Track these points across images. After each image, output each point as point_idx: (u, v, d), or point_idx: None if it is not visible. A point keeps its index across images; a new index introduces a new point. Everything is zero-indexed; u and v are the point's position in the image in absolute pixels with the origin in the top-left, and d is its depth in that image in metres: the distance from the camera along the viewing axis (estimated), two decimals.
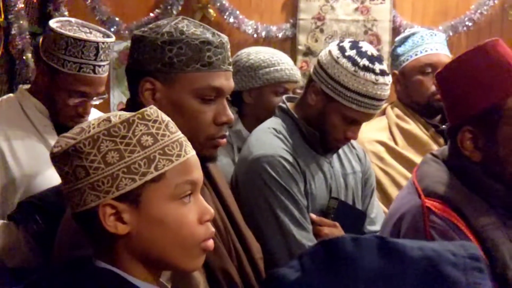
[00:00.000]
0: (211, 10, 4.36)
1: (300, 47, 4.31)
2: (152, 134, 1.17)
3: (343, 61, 2.08)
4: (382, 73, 2.09)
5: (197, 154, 1.57)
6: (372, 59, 2.09)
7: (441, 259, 0.96)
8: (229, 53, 1.64)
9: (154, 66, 1.56)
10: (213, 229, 1.24)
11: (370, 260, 0.95)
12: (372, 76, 2.07)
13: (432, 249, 0.98)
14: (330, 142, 2.17)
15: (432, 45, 2.71)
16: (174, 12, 4.32)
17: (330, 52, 2.13)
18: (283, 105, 2.25)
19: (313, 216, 2.13)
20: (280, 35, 4.35)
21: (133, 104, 1.59)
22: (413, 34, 2.76)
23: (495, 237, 1.62)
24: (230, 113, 1.63)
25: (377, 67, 2.08)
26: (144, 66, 1.57)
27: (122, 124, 1.16)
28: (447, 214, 1.64)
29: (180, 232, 1.18)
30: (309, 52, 4.29)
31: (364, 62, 2.07)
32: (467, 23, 4.24)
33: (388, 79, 2.11)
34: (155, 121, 1.19)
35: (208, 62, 1.57)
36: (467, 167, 1.70)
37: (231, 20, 4.31)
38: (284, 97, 2.31)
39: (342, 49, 2.11)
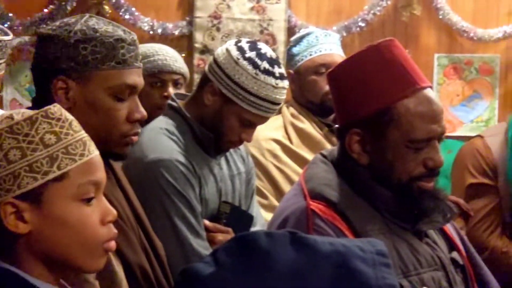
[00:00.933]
0: (106, 7, 4.25)
1: (196, 45, 4.28)
2: (55, 133, 1.16)
3: (244, 63, 2.06)
4: (281, 77, 2.09)
5: (109, 152, 1.59)
6: (272, 62, 2.08)
7: (351, 254, 0.98)
8: (139, 50, 1.64)
9: (67, 65, 1.55)
10: (115, 230, 1.23)
11: (284, 254, 0.96)
12: (272, 80, 2.06)
13: (342, 244, 0.99)
14: (224, 143, 2.14)
15: (326, 46, 2.76)
16: (69, 8, 4.19)
17: (228, 52, 2.09)
18: (174, 104, 2.18)
19: (207, 222, 2.10)
20: (176, 32, 4.30)
21: (41, 103, 1.52)
22: (308, 34, 2.81)
23: None
24: (143, 110, 1.62)
25: (277, 70, 2.08)
26: (56, 64, 1.55)
27: (25, 122, 1.15)
28: (332, 218, 1.63)
29: (82, 232, 1.17)
30: (206, 50, 4.27)
31: (265, 65, 2.06)
32: (360, 23, 4.30)
33: (286, 83, 2.11)
34: (58, 120, 1.18)
35: (122, 59, 1.57)
36: (354, 170, 1.69)
37: (127, 16, 4.23)
38: (173, 94, 2.26)
39: (241, 50, 2.09)
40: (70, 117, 1.21)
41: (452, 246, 1.81)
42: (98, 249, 1.20)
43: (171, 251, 1.96)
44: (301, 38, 2.80)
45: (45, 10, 4.24)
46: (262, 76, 2.04)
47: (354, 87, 1.68)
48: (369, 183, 1.68)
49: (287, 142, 2.73)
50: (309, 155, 2.67)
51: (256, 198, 2.57)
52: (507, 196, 2.67)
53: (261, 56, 2.07)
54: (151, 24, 4.27)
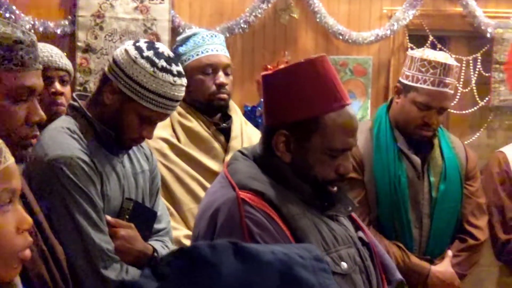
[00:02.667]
0: None
1: (79, 44, 4.22)
2: None
3: (142, 61, 2.10)
4: (179, 74, 2.14)
5: None
6: (169, 60, 2.14)
7: (292, 262, 0.98)
8: (38, 52, 1.63)
9: None
10: (30, 239, 1.22)
11: (229, 265, 0.95)
12: (170, 78, 2.11)
13: (283, 252, 0.99)
14: (126, 141, 2.18)
15: (212, 46, 2.80)
16: None
17: (127, 52, 2.13)
18: (75, 103, 2.21)
19: (109, 218, 2.13)
20: (58, 31, 4.21)
21: None
22: (194, 34, 2.83)
23: (304, 225, 1.79)
24: (42, 113, 1.62)
25: (174, 68, 2.13)
26: None
27: None
28: (261, 205, 1.78)
29: None
30: (88, 49, 4.22)
31: (162, 63, 2.11)
32: (242, 25, 4.37)
33: (184, 81, 2.17)
34: None
35: (21, 61, 1.55)
36: (277, 166, 1.87)
37: (7, 15, 4.10)
38: (74, 94, 2.27)
39: (139, 50, 2.12)
40: None
41: (357, 227, 2.03)
42: (14, 258, 1.18)
43: (73, 246, 2.00)
44: (188, 38, 2.83)
45: None
46: (160, 74, 2.09)
47: (287, 93, 1.84)
48: (290, 177, 1.86)
49: (175, 141, 2.75)
50: (197, 154, 2.72)
51: None
52: (372, 189, 2.85)
53: (159, 54, 2.12)
54: (32, 22, 4.16)
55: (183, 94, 2.18)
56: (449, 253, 2.90)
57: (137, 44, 2.16)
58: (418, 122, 2.82)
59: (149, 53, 2.12)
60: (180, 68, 2.17)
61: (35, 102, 1.62)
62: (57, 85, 2.67)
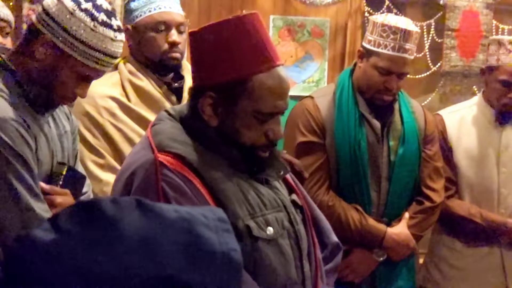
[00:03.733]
0: None
1: None
2: None
3: (81, 14, 1.95)
4: (119, 29, 2.02)
5: None
6: (109, 14, 2.01)
7: (195, 220, 0.98)
8: None
9: None
10: None
11: (131, 221, 0.93)
12: (111, 33, 1.99)
13: (186, 211, 0.99)
14: (57, 99, 2.04)
15: (165, 3, 2.69)
16: None
17: (61, 2, 1.96)
18: None
19: (44, 185, 1.99)
20: None
21: None
22: None
23: (227, 188, 1.73)
24: None
25: (114, 23, 2.01)
26: None
27: None
28: (180, 169, 1.71)
29: None
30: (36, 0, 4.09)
31: (103, 17, 1.98)
32: None
33: (123, 36, 2.06)
34: None
35: None
36: (203, 130, 1.78)
37: None
38: None
39: (76, 1, 1.97)
40: None
41: (291, 190, 1.96)
42: None
43: (10, 215, 1.87)
44: None
45: None
46: (100, 29, 1.96)
47: (214, 52, 1.74)
48: (216, 141, 1.77)
49: (124, 100, 2.65)
50: (147, 114, 2.64)
51: (91, 157, 2.52)
52: (333, 153, 2.86)
53: (98, 7, 1.99)
54: None
55: (121, 50, 2.06)
56: (406, 215, 2.94)
57: None
58: (379, 87, 2.83)
59: (88, 5, 1.97)
60: (119, 22, 2.05)
61: None
62: None
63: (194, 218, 0.98)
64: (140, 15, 2.68)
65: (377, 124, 2.89)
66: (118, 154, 2.58)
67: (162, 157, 1.71)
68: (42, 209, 1.92)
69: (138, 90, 2.68)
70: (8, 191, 1.87)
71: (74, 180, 2.13)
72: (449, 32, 4.76)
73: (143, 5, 2.69)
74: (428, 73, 4.82)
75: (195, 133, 1.79)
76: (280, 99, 1.77)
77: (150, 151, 1.74)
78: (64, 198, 2.02)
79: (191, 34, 1.80)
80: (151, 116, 2.64)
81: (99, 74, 2.05)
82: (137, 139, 2.59)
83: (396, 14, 4.56)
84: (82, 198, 2.18)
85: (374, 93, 2.86)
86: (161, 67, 2.69)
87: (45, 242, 0.92)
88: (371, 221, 2.87)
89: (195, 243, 0.95)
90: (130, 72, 2.69)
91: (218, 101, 1.75)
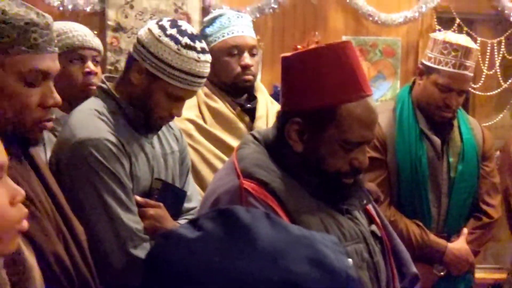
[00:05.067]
0: None
1: (109, 23, 4.25)
2: None
3: (166, 39, 2.12)
4: (203, 51, 2.16)
5: (23, 137, 1.54)
6: (193, 37, 2.15)
7: (316, 239, 1.02)
8: (55, 34, 1.60)
9: None
10: (25, 210, 1.21)
11: (264, 230, 0.99)
12: (194, 54, 2.13)
13: (306, 230, 1.04)
14: (155, 120, 2.20)
15: (238, 27, 2.80)
16: None
17: (150, 31, 2.15)
18: (104, 86, 2.22)
19: (138, 198, 2.15)
20: (88, 9, 4.24)
21: None
22: (220, 15, 2.83)
23: (308, 220, 1.71)
24: (57, 96, 1.61)
25: (198, 45, 2.15)
26: None
27: None
28: (264, 197, 1.71)
29: None
30: (119, 28, 4.24)
31: (186, 40, 2.13)
32: (273, 5, 4.38)
33: (209, 57, 2.19)
34: None
35: (34, 44, 1.53)
36: (288, 155, 1.78)
37: None
38: (103, 76, 2.29)
39: (162, 28, 2.14)
40: None
41: (371, 220, 1.94)
42: (11, 231, 1.18)
43: (103, 227, 2.02)
44: (214, 19, 2.83)
45: None
46: (184, 51, 2.11)
47: (305, 79, 1.74)
48: (300, 168, 1.78)
49: (201, 122, 2.76)
50: (223, 134, 2.74)
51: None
52: (394, 169, 2.90)
53: (182, 32, 2.14)
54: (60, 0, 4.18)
55: (208, 70, 2.19)
56: (465, 230, 2.99)
57: (160, 23, 2.17)
58: (439, 104, 2.87)
59: (173, 31, 2.14)
60: (203, 44, 2.19)
61: (51, 85, 1.60)
62: (91, 65, 2.70)
63: (314, 237, 1.03)
64: (215, 40, 2.79)
65: (437, 140, 2.93)
66: (195, 174, 2.67)
67: (246, 184, 1.71)
68: (131, 220, 2.08)
69: (214, 112, 2.79)
70: (102, 205, 2.04)
71: (172, 195, 2.26)
72: None
73: (217, 31, 2.80)
74: (499, 90, 4.77)
75: (279, 159, 1.79)
76: (368, 130, 1.75)
77: (235, 177, 1.75)
78: (156, 211, 2.16)
79: (283, 59, 1.81)
80: (226, 137, 2.75)
81: (190, 94, 2.20)
82: (213, 160, 2.71)
83: (466, 31, 4.56)
84: (191, 212, 2.32)
85: (434, 110, 2.89)
86: (234, 89, 2.80)
87: (191, 238, 0.99)
88: (432, 237, 2.92)
89: (318, 258, 0.99)
90: (206, 95, 2.80)
91: (305, 127, 1.75)
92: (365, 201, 1.86)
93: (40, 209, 1.60)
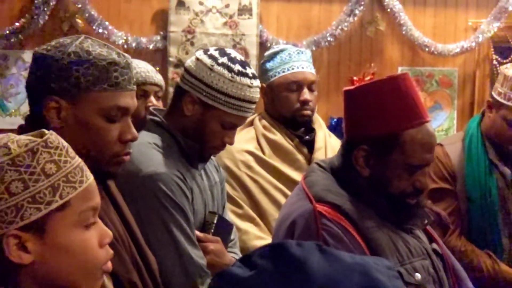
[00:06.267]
0: (79, 20, 4.30)
1: (171, 59, 4.36)
2: (55, 162, 1.16)
3: (219, 68, 2.12)
4: (254, 76, 2.19)
5: (102, 171, 1.60)
6: (243, 64, 2.18)
7: (369, 266, 1.05)
8: (133, 73, 1.68)
9: (59, 85, 1.57)
10: (111, 252, 1.26)
11: (316, 262, 1.02)
12: (247, 80, 2.14)
13: (360, 257, 1.07)
14: (209, 150, 2.21)
15: (298, 63, 2.84)
16: (41, 21, 4.21)
17: (200, 61, 2.15)
18: (156, 118, 2.22)
19: (199, 233, 2.16)
20: (150, 46, 4.36)
21: (33, 122, 1.61)
22: (281, 50, 2.89)
23: (379, 238, 1.83)
24: (135, 131, 1.68)
25: (249, 71, 2.18)
26: (49, 84, 1.58)
27: (26, 154, 1.14)
28: (337, 218, 1.83)
29: (84, 257, 1.19)
30: (180, 64, 4.32)
31: (238, 67, 2.14)
32: (328, 38, 4.45)
33: (258, 82, 2.22)
34: (56, 148, 1.18)
35: (115, 82, 1.61)
36: (355, 180, 1.90)
37: (100, 30, 4.27)
38: (151, 109, 2.30)
39: (213, 58, 2.15)
40: (65, 144, 1.20)
41: (431, 238, 2.05)
42: (98, 272, 1.22)
43: (171, 261, 2.04)
44: (275, 54, 2.88)
45: (17, 24, 4.23)
46: (238, 78, 2.13)
47: (368, 109, 1.88)
48: (367, 191, 1.90)
49: (259, 153, 2.80)
50: (281, 165, 2.78)
51: (231, 207, 2.64)
52: (464, 199, 2.88)
53: (233, 60, 2.16)
54: (125, 38, 4.31)
55: (259, 95, 2.22)
56: None
57: (209, 52, 2.18)
58: (510, 139, 2.85)
59: (224, 60, 2.15)
60: (253, 70, 2.22)
61: (129, 121, 1.67)
62: (153, 100, 2.78)
63: (367, 263, 1.06)
64: (275, 75, 2.84)
65: (507, 171, 2.90)
66: (255, 204, 2.72)
67: (320, 207, 1.83)
68: (198, 256, 2.09)
69: (272, 143, 2.83)
70: (171, 239, 2.05)
71: (224, 228, 2.28)
72: None
73: (277, 65, 2.86)
74: None
75: (347, 184, 1.91)
76: (429, 153, 1.88)
77: (307, 201, 1.87)
78: (216, 246, 2.18)
79: (346, 92, 1.95)
80: (285, 168, 2.80)
81: (242, 120, 2.23)
82: (272, 190, 2.75)
83: None
84: (231, 244, 2.33)
85: (503, 143, 2.88)
86: (293, 123, 2.85)
87: (245, 277, 1.03)
88: (504, 267, 2.86)
89: (373, 285, 1.02)
90: (264, 127, 2.85)
91: (371, 153, 1.87)
92: (426, 221, 1.97)
93: (119, 241, 1.66)
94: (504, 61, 4.44)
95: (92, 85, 1.58)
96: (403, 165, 1.85)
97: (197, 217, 2.18)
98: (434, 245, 2.02)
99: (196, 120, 2.16)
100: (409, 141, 1.84)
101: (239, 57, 2.21)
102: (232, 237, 2.36)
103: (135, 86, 1.70)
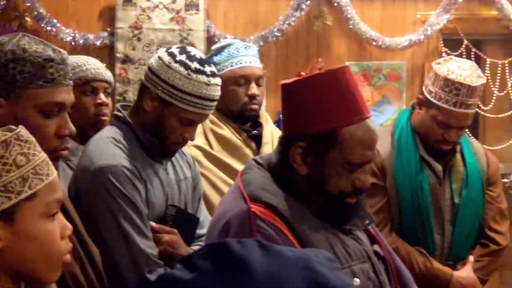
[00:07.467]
0: (27, 19, 4.31)
1: (118, 55, 4.36)
2: (25, 154, 1.23)
3: (176, 65, 2.16)
4: (213, 74, 2.20)
5: None
6: (202, 62, 2.20)
7: (310, 259, 1.04)
8: (69, 68, 1.71)
9: None
10: (71, 244, 1.32)
11: (257, 259, 1.01)
12: (204, 78, 2.17)
13: (300, 251, 1.07)
14: (169, 146, 2.25)
15: (247, 58, 2.84)
16: None
17: (160, 58, 2.20)
18: (119, 114, 2.28)
19: (153, 224, 2.19)
20: (98, 43, 4.36)
21: None
22: (229, 45, 2.87)
23: (315, 240, 1.75)
24: (72, 126, 1.71)
25: (208, 69, 2.20)
26: None
27: (1, 145, 1.21)
28: (272, 219, 1.74)
29: (49, 247, 1.25)
30: (127, 60, 4.35)
31: (196, 65, 2.17)
32: (276, 33, 4.46)
33: (219, 80, 2.23)
34: (26, 141, 1.25)
35: (51, 78, 1.64)
36: (292, 178, 1.83)
37: (48, 28, 4.28)
38: (118, 105, 2.35)
39: (172, 55, 2.19)
40: (33, 138, 1.28)
41: (372, 240, 1.97)
42: (59, 262, 1.28)
43: (119, 252, 2.08)
44: (223, 48, 2.87)
45: None
46: (194, 76, 2.15)
47: (307, 104, 1.79)
48: (304, 190, 1.82)
49: (208, 148, 2.80)
50: (229, 160, 2.78)
51: None
52: (394, 195, 2.82)
53: (191, 57, 2.19)
54: (72, 35, 4.32)
55: (219, 93, 2.24)
56: (471, 258, 2.88)
57: (170, 50, 2.22)
58: (438, 138, 2.80)
59: (182, 57, 2.18)
60: (213, 68, 2.23)
61: (66, 116, 1.69)
62: (103, 96, 2.77)
63: (308, 256, 1.05)
64: (223, 69, 2.82)
65: (438, 166, 2.85)
66: (204, 199, 2.67)
67: (254, 208, 1.75)
68: (147, 246, 2.12)
69: (220, 138, 2.83)
70: (119, 230, 2.09)
71: (185, 221, 2.29)
72: None
73: (225, 59, 2.85)
74: (511, 112, 4.75)
75: (284, 182, 1.83)
76: (369, 150, 1.80)
77: (242, 201, 1.79)
78: (171, 237, 2.20)
79: (284, 86, 1.85)
80: (233, 162, 2.80)
81: (202, 117, 2.25)
82: (220, 184, 2.75)
83: (474, 53, 4.57)
84: (202, 239, 2.35)
85: (432, 142, 2.82)
86: (241, 118, 2.85)
87: (185, 280, 1.02)
88: (437, 264, 2.82)
89: (315, 278, 1.01)
90: (212, 122, 2.84)
91: (308, 151, 1.79)
92: (367, 221, 1.90)
93: None
94: (454, 53, 4.41)
95: (29, 82, 1.62)
96: (342, 163, 1.78)
97: (156, 210, 2.22)
98: (376, 247, 1.95)
99: (155, 116, 2.21)
100: (348, 138, 1.76)
101: (199, 55, 2.24)
102: (204, 231, 2.36)
103: (71, 81, 1.72)
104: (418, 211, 2.81)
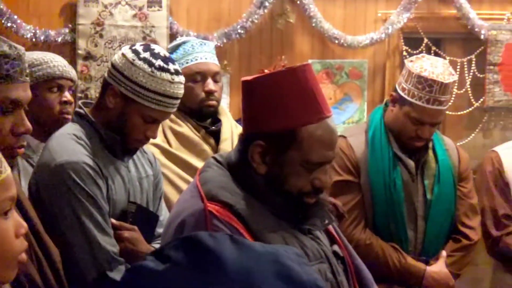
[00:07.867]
0: None
1: (80, 52, 4.33)
2: None
3: (139, 63, 2.16)
4: (177, 72, 2.21)
5: None
6: (166, 60, 2.21)
7: (280, 254, 1.06)
8: (26, 64, 1.67)
9: None
10: (26, 243, 1.29)
11: (228, 252, 1.02)
12: (168, 76, 2.18)
13: (269, 246, 1.09)
14: (131, 143, 2.24)
15: (202, 54, 2.86)
16: None
17: (124, 55, 2.19)
18: (80, 111, 2.27)
19: (114, 221, 2.19)
20: (59, 39, 4.32)
21: None
22: (184, 42, 2.89)
23: (272, 240, 1.72)
24: (28, 123, 1.67)
25: (171, 67, 2.20)
26: None
27: None
28: (228, 218, 1.73)
29: (2, 247, 1.22)
30: (89, 56, 4.33)
31: (159, 63, 2.18)
32: (239, 30, 4.46)
33: (182, 79, 2.24)
34: None
35: (6, 74, 1.60)
36: (251, 177, 1.82)
37: (9, 24, 4.23)
38: (80, 102, 2.33)
39: (136, 52, 2.19)
40: None
41: (332, 240, 1.97)
42: (14, 261, 1.25)
43: (80, 249, 2.08)
44: (178, 46, 2.89)
45: None
46: (158, 73, 2.16)
47: (266, 102, 1.77)
48: (263, 189, 1.81)
49: (166, 146, 2.81)
50: (188, 157, 2.79)
51: None
52: (368, 192, 2.88)
53: (155, 55, 2.19)
54: (33, 31, 4.27)
55: (182, 91, 2.24)
56: (443, 253, 2.94)
57: (134, 47, 2.22)
58: (411, 134, 2.84)
59: (146, 55, 2.18)
60: (177, 66, 2.24)
61: (22, 113, 1.65)
62: (68, 95, 2.77)
63: (278, 251, 1.07)
64: (179, 66, 2.85)
65: (411, 163, 2.90)
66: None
67: (211, 207, 1.74)
68: (108, 243, 2.12)
69: (178, 135, 2.85)
70: (79, 226, 2.08)
71: (145, 219, 2.29)
72: (491, 67, 4.74)
73: (181, 57, 2.86)
74: (470, 109, 4.81)
75: (242, 180, 1.81)
76: (329, 150, 1.78)
77: (199, 200, 1.77)
78: (131, 234, 2.21)
79: (244, 83, 1.83)
80: (192, 160, 2.80)
81: (164, 115, 2.26)
82: (179, 182, 2.76)
83: (434, 51, 4.63)
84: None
85: (405, 139, 2.87)
86: (199, 114, 2.86)
87: (157, 271, 1.02)
88: (410, 260, 2.87)
89: (285, 272, 1.03)
90: (170, 119, 2.83)
91: (267, 150, 1.77)
92: (327, 221, 1.89)
93: None
94: (414, 52, 4.49)
95: None
96: (301, 162, 1.76)
97: (117, 207, 2.22)
98: (335, 247, 1.94)
99: (118, 113, 2.21)
100: (307, 137, 1.75)
101: (164, 53, 2.23)
102: (162, 230, 2.35)
103: (28, 78, 1.68)
104: (391, 207, 2.86)
